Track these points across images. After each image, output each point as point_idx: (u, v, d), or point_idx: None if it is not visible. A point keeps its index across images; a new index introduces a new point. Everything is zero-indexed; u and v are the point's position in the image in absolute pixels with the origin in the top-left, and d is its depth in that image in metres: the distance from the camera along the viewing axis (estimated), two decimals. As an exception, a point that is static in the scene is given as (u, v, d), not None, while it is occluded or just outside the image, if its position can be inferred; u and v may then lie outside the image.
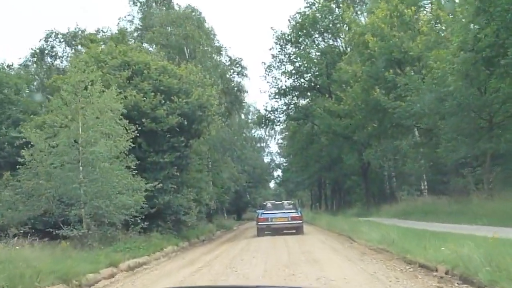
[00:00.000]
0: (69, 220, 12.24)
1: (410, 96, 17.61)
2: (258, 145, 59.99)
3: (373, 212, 26.92)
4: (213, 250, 14.47)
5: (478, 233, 8.96)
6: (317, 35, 33.27)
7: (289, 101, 35.83)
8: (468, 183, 17.08)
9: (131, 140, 14.16)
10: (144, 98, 16.15)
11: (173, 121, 16.27)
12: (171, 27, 24.89)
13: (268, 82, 35.91)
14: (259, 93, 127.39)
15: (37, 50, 28.79)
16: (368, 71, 21.39)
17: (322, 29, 32.50)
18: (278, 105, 35.53)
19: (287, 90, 34.92)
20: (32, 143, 12.70)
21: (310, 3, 32.21)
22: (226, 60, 29.71)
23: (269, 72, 34.68)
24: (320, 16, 32.06)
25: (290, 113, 35.91)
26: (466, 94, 14.26)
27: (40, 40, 29.14)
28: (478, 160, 15.64)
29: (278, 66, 34.43)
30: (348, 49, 32.47)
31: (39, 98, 21.73)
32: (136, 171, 14.10)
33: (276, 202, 21.60)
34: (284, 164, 58.23)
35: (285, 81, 34.83)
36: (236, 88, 29.99)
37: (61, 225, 12.34)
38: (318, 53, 33.69)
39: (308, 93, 36.51)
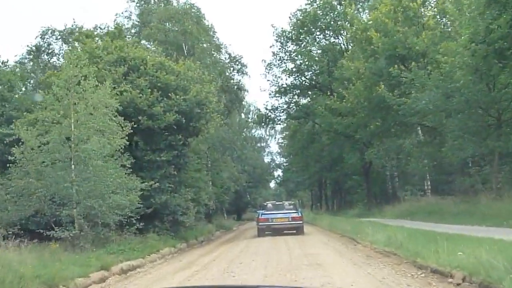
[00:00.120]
0: (61, 220, 11.75)
1: (415, 92, 17.04)
2: (259, 145, 59.56)
3: (375, 212, 26.44)
4: (211, 251, 13.94)
5: (492, 235, 8.44)
6: (318, 33, 32.73)
7: (290, 99, 35.28)
8: (475, 183, 16.53)
9: (127, 137, 13.70)
10: (141, 95, 15.64)
11: (170, 119, 15.76)
12: (169, 23, 24.38)
13: (268, 80, 35.45)
14: (259, 92, 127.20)
15: (33, 47, 28.24)
16: (371, 67, 20.82)
17: (323, 26, 31.95)
18: (279, 104, 35.05)
19: (288, 88, 34.36)
20: (22, 141, 12.20)
21: (311, 0, 31.67)
22: (225, 58, 29.18)
23: (269, 70, 34.21)
24: (321, 13, 31.50)
25: (291, 112, 35.36)
26: (474, 90, 13.70)
27: (36, 37, 28.64)
28: (486, 159, 15.09)
29: (278, 64, 33.94)
30: (350, 47, 32.00)
31: (33, 95, 21.17)
32: (131, 170, 13.63)
33: (277, 203, 21.67)
34: (285, 164, 57.78)
35: (286, 79, 34.37)
36: (236, 86, 29.41)
37: (53, 226, 11.84)
38: (319, 51, 33.14)
39: (309, 92, 35.96)
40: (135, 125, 15.09)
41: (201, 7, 29.81)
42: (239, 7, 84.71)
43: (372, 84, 21.32)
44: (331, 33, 32.68)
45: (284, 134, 51.23)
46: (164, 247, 14.09)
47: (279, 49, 33.38)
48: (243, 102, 37.15)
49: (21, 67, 27.85)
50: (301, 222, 18.05)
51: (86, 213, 11.70)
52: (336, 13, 31.51)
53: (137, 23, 26.06)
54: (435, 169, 23.45)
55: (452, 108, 15.02)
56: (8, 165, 12.54)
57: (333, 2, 31.34)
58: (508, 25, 11.53)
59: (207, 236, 20.83)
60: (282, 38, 33.01)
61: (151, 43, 22.32)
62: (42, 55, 28.86)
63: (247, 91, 34.46)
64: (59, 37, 28.44)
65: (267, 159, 61.08)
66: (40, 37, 28.31)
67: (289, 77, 34.03)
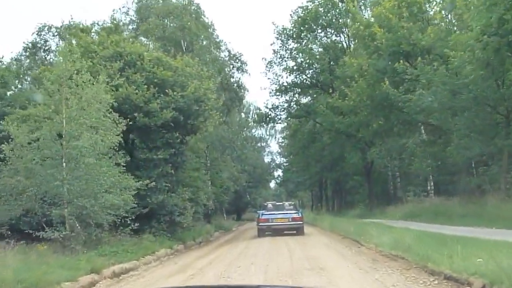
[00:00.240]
0: (53, 220, 11.24)
1: (421, 89, 16.48)
2: (259, 144, 59.04)
3: (377, 213, 25.93)
4: (209, 253, 13.41)
5: (506, 238, 7.92)
6: (319, 30, 32.20)
7: (290, 98, 34.75)
8: (483, 183, 15.98)
9: (122, 135, 13.20)
10: (137, 91, 15.13)
11: (167, 116, 15.27)
12: (167, 19, 23.87)
13: (269, 78, 34.91)
14: (259, 92, 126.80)
15: (29, 44, 27.71)
16: (375, 64, 20.27)
17: (324, 24, 31.42)
18: (279, 103, 34.48)
19: (288, 87, 33.83)
20: (12, 137, 11.69)
21: (313, -3, 31.13)
22: (225, 55, 28.63)
23: (270, 68, 33.65)
24: (322, 11, 30.99)
25: (291, 111, 34.82)
26: (483, 86, 13.16)
27: (33, 33, 28.11)
28: (495, 158, 14.55)
29: (279, 62, 33.38)
30: (352, 45, 31.52)
31: (28, 92, 20.67)
32: (127, 169, 13.15)
33: (277, 203, 21.83)
34: (285, 164, 57.25)
35: (286, 77, 33.82)
36: (235, 84, 28.88)
37: (44, 226, 11.34)
38: (320, 49, 32.60)
39: (310, 91, 35.42)
40: (131, 122, 14.63)
41: (201, 4, 29.22)
42: (239, 5, 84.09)
43: (375, 82, 20.78)
44: (333, 30, 32.16)
45: (284, 134, 50.72)
46: (160, 248, 13.59)
47: (280, 47, 32.91)
48: (243, 101, 36.64)
49: (17, 64, 27.38)
50: (301, 222, 18.02)
51: (78, 213, 11.19)
52: (337, 10, 30.99)
53: (134, 19, 25.53)
54: (439, 169, 22.89)
55: (460, 105, 14.48)
56: (-3, 162, 12.07)
57: (334, 0, 30.81)
58: (524, 16, 10.97)
59: (205, 237, 20.31)
60: (282, 35, 32.49)
61: (149, 39, 21.80)
62: (39, 52, 28.30)
63: (247, 90, 33.90)
64: (56, 33, 27.88)
65: (267, 159, 60.67)
66: (37, 34, 27.76)
67: (289, 75, 33.55)
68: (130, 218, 12.75)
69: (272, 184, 68.71)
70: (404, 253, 8.52)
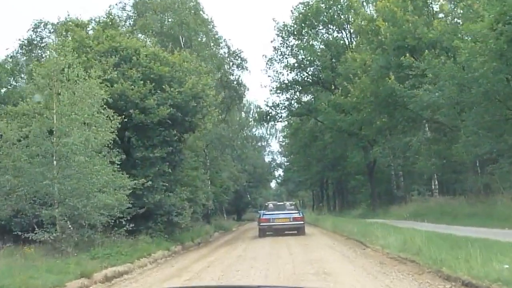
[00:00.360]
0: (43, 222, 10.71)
1: (427, 85, 15.90)
2: (259, 144, 58.49)
3: (380, 213, 25.46)
4: (207, 255, 12.86)
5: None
6: (321, 27, 31.60)
7: (291, 96, 34.18)
8: (492, 181, 15.42)
9: (117, 132, 12.68)
10: (132, 87, 14.58)
11: (164, 112, 14.72)
12: (165, 13, 23.32)
13: (269, 76, 34.23)
14: (260, 91, 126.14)
15: (25, 41, 27.15)
16: (379, 59, 19.67)
17: (326, 20, 30.84)
18: (280, 101, 33.88)
19: (289, 84, 33.24)
20: (1, 134, 11.17)
21: (314, -7, 30.53)
22: (224, 52, 28.02)
23: (270, 65, 33.05)
24: (324, 7, 30.41)
25: (292, 109, 34.23)
26: (494, 80, 12.60)
27: (28, 30, 27.54)
28: (504, 155, 13.97)
29: (280, 59, 32.80)
30: (354, 42, 30.95)
31: (22, 88, 20.17)
32: (123, 167, 12.64)
33: (278, 203, 21.84)
34: (286, 163, 56.75)
35: (287, 75, 33.22)
36: (235, 82, 28.29)
37: (35, 228, 10.81)
38: (322, 46, 32.01)
39: (311, 88, 34.83)
40: (127, 119, 14.09)
41: (200, 0, 28.48)
42: (238, 2, 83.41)
43: (379, 78, 20.20)
44: (334, 27, 31.56)
45: (285, 132, 50.17)
46: (157, 250, 13.04)
47: (281, 43, 32.34)
48: (243, 100, 36.06)
49: (13, 62, 26.83)
50: (302, 222, 18.05)
51: (70, 214, 10.65)
52: (339, 6, 30.42)
53: (132, 14, 24.94)
54: (444, 168, 22.34)
55: (469, 100, 13.91)
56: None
57: (336, -5, 30.22)
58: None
59: (204, 237, 19.77)
60: (283, 32, 31.91)
61: (146, 35, 21.25)
62: (35, 49, 27.74)
63: (248, 89, 33.29)
64: (52, 30, 27.32)
65: (267, 159, 60.19)
66: (32, 30, 27.20)
67: (290, 72, 32.95)
68: (126, 219, 12.23)
69: (273, 184, 68.38)
70: (414, 256, 7.99)
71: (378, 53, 19.88)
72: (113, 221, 11.72)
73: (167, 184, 15.45)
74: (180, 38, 22.42)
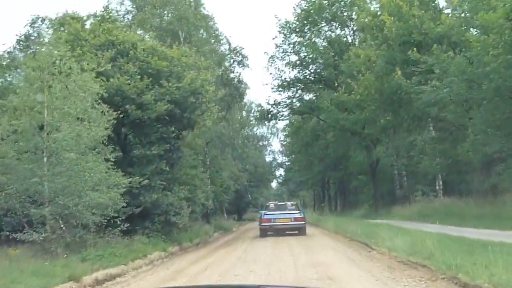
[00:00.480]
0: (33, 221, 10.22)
1: (435, 80, 15.34)
2: (260, 143, 57.92)
3: (382, 213, 24.92)
4: (205, 257, 12.34)
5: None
6: (323, 24, 31.01)
7: (293, 94, 33.56)
8: (501, 181, 14.88)
9: (112, 128, 12.20)
10: (129, 82, 14.07)
11: (162, 108, 14.22)
12: (164, 8, 22.81)
13: (271, 74, 33.52)
14: (261, 91, 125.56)
15: (22, 36, 26.67)
16: (384, 55, 19.13)
17: (329, 17, 30.27)
18: (281, 99, 33.30)
19: (291, 82, 32.66)
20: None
21: (317, -11, 29.94)
22: (225, 48, 27.46)
23: (272, 62, 32.42)
24: (327, 3, 29.86)
25: (294, 107, 33.66)
26: (506, 75, 12.06)
27: (25, 25, 27.07)
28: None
29: (281, 56, 32.16)
30: (357, 40, 30.40)
31: (16, 83, 19.64)
32: (119, 165, 12.16)
33: (279, 203, 21.77)
34: (287, 163, 56.22)
35: (289, 73, 32.62)
36: (236, 80, 27.73)
37: (26, 227, 10.31)
38: (324, 43, 31.43)
39: (314, 86, 34.24)
40: (123, 115, 13.65)
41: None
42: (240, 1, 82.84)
43: (384, 74, 19.66)
44: (337, 24, 31.00)
45: (286, 131, 49.62)
46: (153, 251, 12.55)
47: (283, 41, 31.71)
48: (244, 99, 35.47)
49: (10, 57, 26.35)
50: (303, 222, 18.14)
51: (60, 213, 10.14)
52: (342, 3, 29.87)
53: (130, 9, 24.43)
54: (449, 168, 21.80)
55: (478, 97, 13.38)
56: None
57: (339, -8, 29.67)
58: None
59: (203, 238, 19.26)
60: (285, 29, 31.30)
61: (145, 30, 20.74)
62: (32, 44, 27.24)
63: (249, 87, 32.73)
64: (50, 25, 26.81)
65: (268, 158, 59.63)
66: (30, 26, 26.71)
67: (292, 70, 32.34)
68: (121, 218, 11.73)
69: (274, 184, 67.90)
70: (426, 260, 7.46)
71: (383, 49, 19.32)
72: (106, 220, 11.22)
73: (164, 183, 14.97)
74: (180, 33, 21.89)
